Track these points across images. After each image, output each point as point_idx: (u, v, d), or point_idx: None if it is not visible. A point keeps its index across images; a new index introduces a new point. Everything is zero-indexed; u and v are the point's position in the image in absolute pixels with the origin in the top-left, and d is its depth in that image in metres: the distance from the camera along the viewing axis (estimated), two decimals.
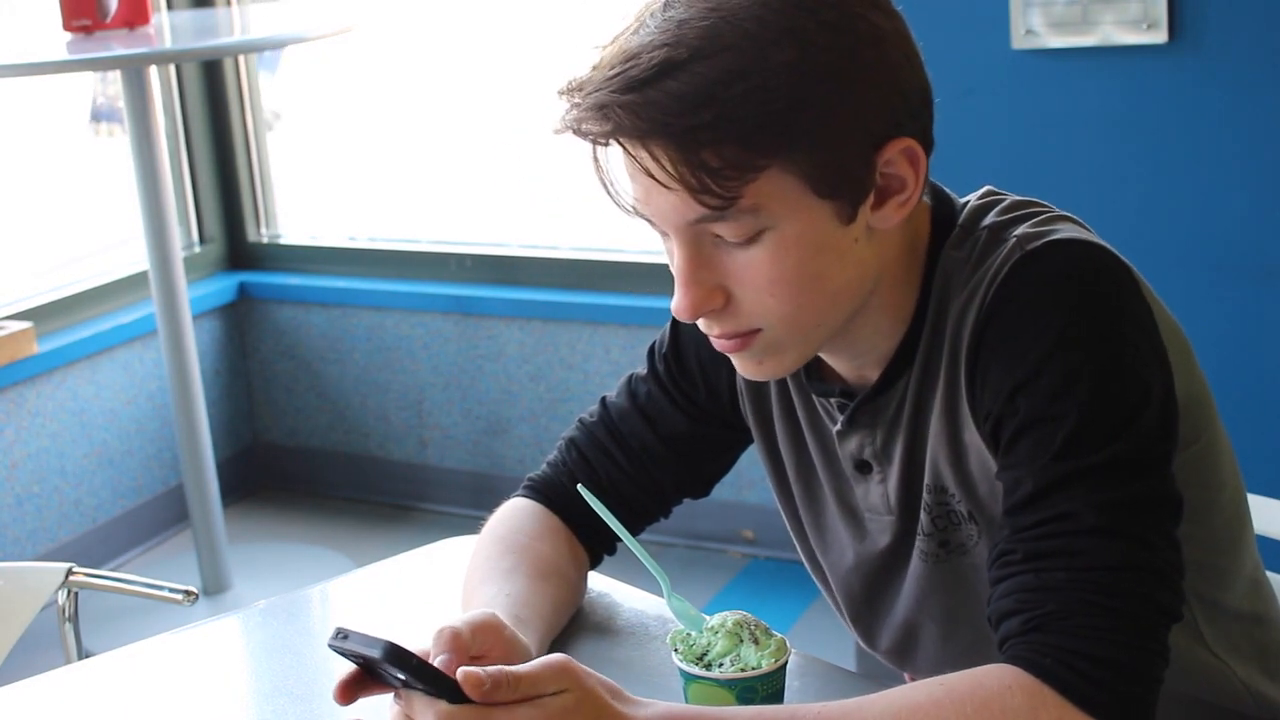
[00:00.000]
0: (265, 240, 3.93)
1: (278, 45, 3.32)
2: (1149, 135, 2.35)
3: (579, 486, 1.19)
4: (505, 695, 0.95)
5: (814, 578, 1.36)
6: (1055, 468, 1.01)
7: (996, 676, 0.98)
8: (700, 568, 3.22)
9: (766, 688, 1.08)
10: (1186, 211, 2.38)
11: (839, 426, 1.19)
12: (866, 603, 1.28)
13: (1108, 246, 1.08)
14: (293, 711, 1.22)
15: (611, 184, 1.08)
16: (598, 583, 1.41)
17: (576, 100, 1.03)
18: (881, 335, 1.14)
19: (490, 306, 3.53)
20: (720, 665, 1.08)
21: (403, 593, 1.48)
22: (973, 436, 1.10)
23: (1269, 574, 1.30)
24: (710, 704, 1.08)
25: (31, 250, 3.84)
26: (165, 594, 1.75)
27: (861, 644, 1.34)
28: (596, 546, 1.37)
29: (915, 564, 1.20)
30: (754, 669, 1.08)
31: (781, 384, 1.26)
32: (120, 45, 2.89)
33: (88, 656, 1.48)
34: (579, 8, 3.74)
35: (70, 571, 1.72)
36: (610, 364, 3.39)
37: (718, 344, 1.11)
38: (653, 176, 1.01)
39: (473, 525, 1.47)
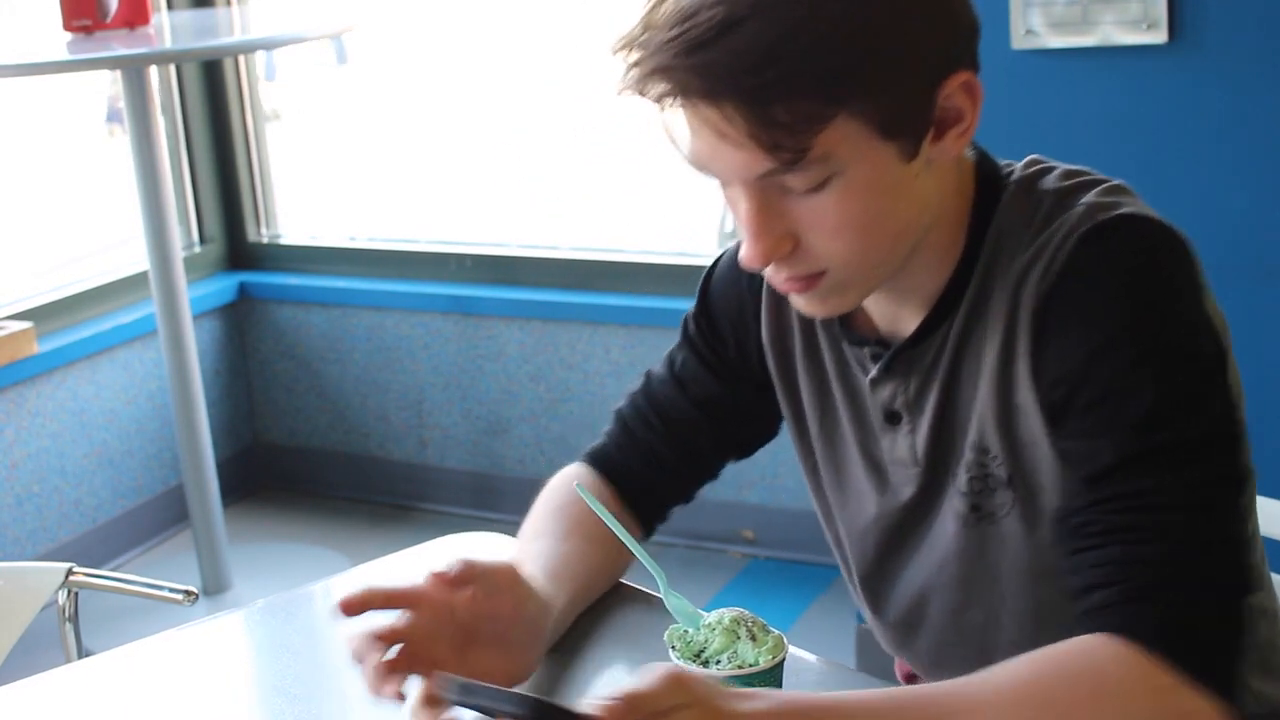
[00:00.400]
0: (265, 240, 3.93)
1: (278, 45, 3.32)
2: (1149, 135, 2.35)
3: (576, 486, 1.20)
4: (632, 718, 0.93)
5: (829, 538, 1.35)
6: (1136, 440, 1.03)
7: (1099, 647, 0.99)
8: (700, 568, 3.22)
9: (763, 685, 1.08)
10: (1186, 211, 2.36)
11: (874, 374, 1.19)
12: (879, 563, 1.27)
13: (1172, 224, 1.10)
14: (292, 711, 1.22)
15: (675, 139, 1.08)
16: None
17: (636, 61, 1.03)
18: (928, 275, 1.15)
19: (490, 306, 3.53)
20: (717, 662, 1.08)
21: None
22: (1026, 399, 1.10)
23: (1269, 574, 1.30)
24: None
25: (32, 250, 3.84)
26: (165, 594, 1.75)
27: (867, 614, 1.33)
28: (648, 516, 1.39)
29: (944, 523, 1.20)
30: (751, 666, 1.08)
31: (809, 338, 1.27)
32: (120, 45, 2.89)
33: (88, 656, 1.48)
34: (578, 8, 3.74)
35: (70, 571, 1.72)
36: (610, 364, 3.39)
37: (782, 286, 1.12)
38: (723, 135, 1.01)
39: (473, 525, 1.47)
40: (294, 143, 4.17)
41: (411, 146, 4.08)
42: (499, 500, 3.60)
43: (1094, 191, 1.12)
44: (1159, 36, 2.28)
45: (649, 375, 1.42)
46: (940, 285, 1.15)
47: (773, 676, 1.09)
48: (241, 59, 3.82)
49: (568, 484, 1.38)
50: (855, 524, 1.28)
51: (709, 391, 1.36)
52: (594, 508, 1.18)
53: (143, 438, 3.58)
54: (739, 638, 1.09)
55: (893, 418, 1.20)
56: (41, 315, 3.37)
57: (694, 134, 1.05)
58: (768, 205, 1.05)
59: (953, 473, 1.18)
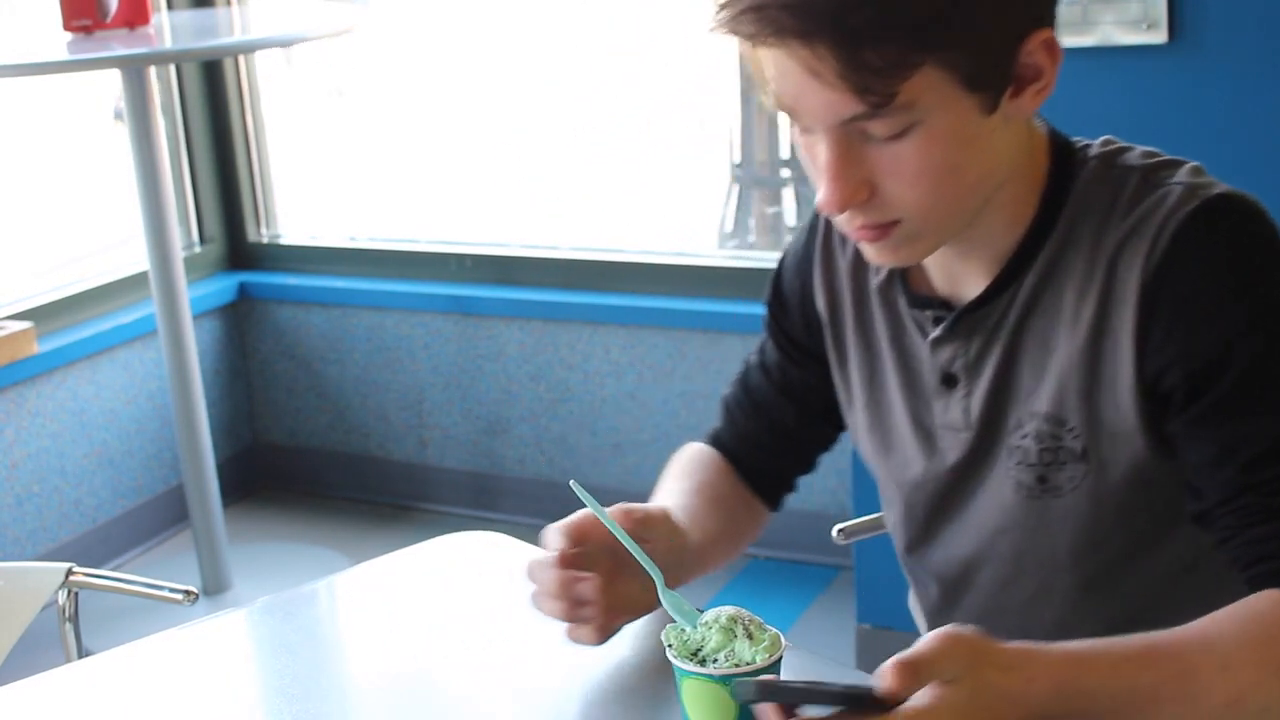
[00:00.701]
0: (265, 240, 3.93)
1: (278, 45, 3.32)
2: (1149, 135, 2.34)
3: (571, 483, 1.21)
4: (916, 686, 0.94)
5: (883, 500, 1.38)
6: None
7: None
8: None
9: None
10: None
11: (937, 333, 1.20)
12: (925, 528, 1.29)
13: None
14: (292, 711, 1.22)
15: (763, 81, 1.09)
16: None
17: (728, 1, 1.04)
18: (995, 234, 1.16)
19: (490, 306, 3.53)
20: (714, 661, 1.08)
21: (403, 589, 1.48)
22: (1124, 376, 1.11)
23: None
24: (703, 701, 1.08)
25: (32, 249, 3.84)
26: (165, 594, 1.75)
27: (911, 583, 1.36)
28: (768, 492, 1.44)
29: (999, 491, 1.20)
30: (748, 664, 1.08)
31: (860, 305, 1.28)
32: (120, 45, 2.88)
33: (88, 656, 1.47)
34: (577, 8, 3.74)
35: (70, 571, 1.72)
36: (610, 364, 3.39)
37: (855, 234, 1.13)
38: (815, 74, 1.02)
39: (473, 525, 1.48)
40: (294, 142, 4.16)
41: (411, 146, 4.08)
42: (499, 500, 3.60)
43: (1183, 170, 1.14)
44: (1159, 36, 2.28)
45: (746, 362, 1.47)
46: (1007, 247, 1.16)
47: (770, 674, 1.09)
48: (241, 59, 3.82)
49: (694, 454, 1.45)
50: (902, 490, 1.29)
51: (788, 376, 1.40)
52: (588, 502, 1.19)
53: (143, 438, 3.58)
54: (736, 636, 1.09)
55: (949, 380, 1.21)
56: (41, 315, 3.37)
57: (783, 75, 1.05)
58: (848, 151, 1.07)
59: (1005, 438, 1.19)
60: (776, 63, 1.05)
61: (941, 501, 1.25)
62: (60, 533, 3.37)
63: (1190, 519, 1.13)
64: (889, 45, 1.00)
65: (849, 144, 1.07)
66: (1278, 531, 1.06)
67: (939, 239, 1.14)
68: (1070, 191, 1.15)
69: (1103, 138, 1.20)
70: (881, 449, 1.30)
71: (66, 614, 1.73)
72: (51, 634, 1.74)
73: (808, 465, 1.46)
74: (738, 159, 3.94)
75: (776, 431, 1.43)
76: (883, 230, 1.11)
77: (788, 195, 3.88)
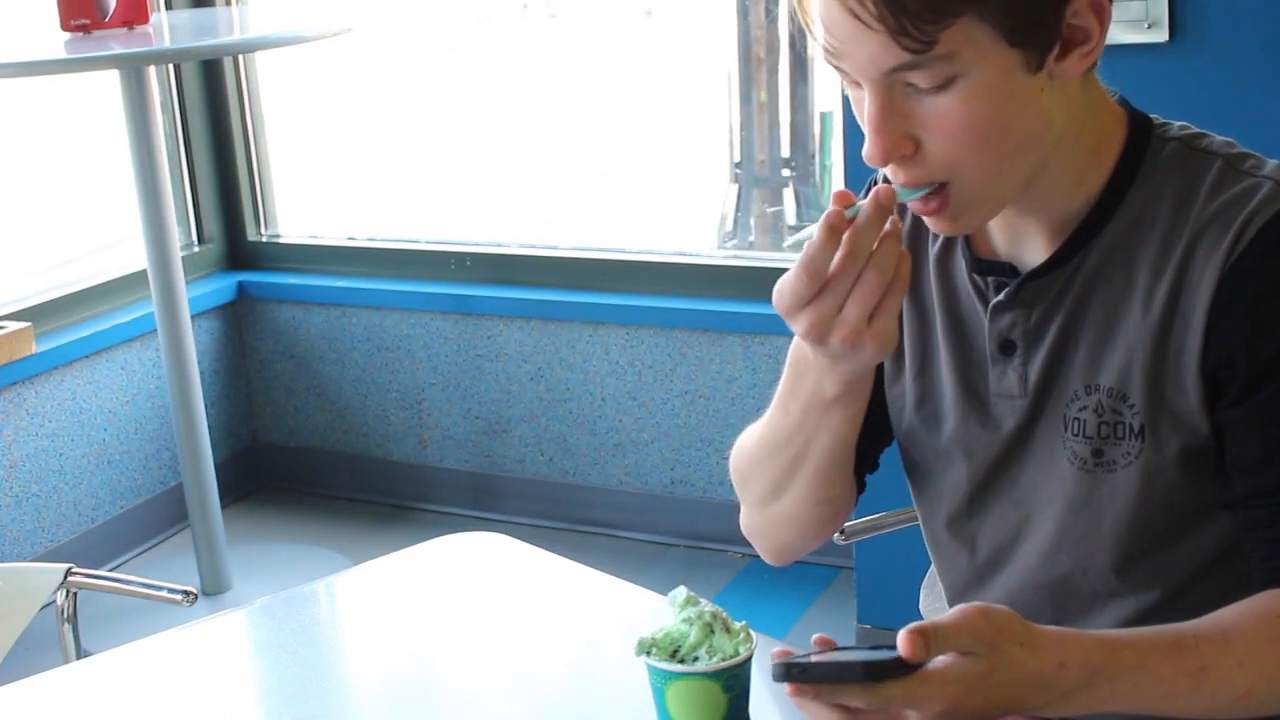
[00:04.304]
0: (264, 240, 3.93)
1: (278, 45, 3.32)
2: None
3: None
4: (928, 654, 0.96)
5: (911, 486, 1.34)
6: None
7: None
8: (700, 568, 3.21)
9: (745, 676, 1.08)
10: None
11: (1000, 298, 1.20)
12: (971, 498, 1.27)
13: None
14: (291, 711, 1.22)
15: (812, 30, 1.10)
16: (593, 581, 1.40)
17: None
18: (1058, 199, 1.16)
19: (490, 306, 3.53)
20: (695, 658, 1.08)
21: (403, 589, 1.48)
22: (1190, 360, 1.12)
23: None
24: (692, 701, 1.08)
25: (31, 249, 3.83)
26: (164, 594, 1.74)
27: (944, 562, 1.32)
28: (861, 472, 1.34)
29: (1053, 461, 1.20)
30: (733, 657, 1.08)
31: (917, 268, 1.26)
32: (119, 45, 2.88)
33: (86, 657, 1.47)
34: (577, 8, 3.74)
35: (69, 572, 1.72)
36: (610, 364, 3.39)
37: (914, 207, 1.14)
38: (855, 17, 1.03)
39: (472, 525, 1.47)
40: (294, 142, 4.16)
41: (411, 146, 4.07)
42: (499, 500, 3.60)
43: (1271, 166, 1.15)
44: (1160, 36, 2.28)
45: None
46: (1072, 213, 1.16)
47: (749, 666, 1.09)
48: (241, 59, 3.82)
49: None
50: (947, 461, 1.28)
51: None
52: None
53: (142, 438, 3.57)
54: (714, 632, 1.09)
55: (1007, 347, 1.21)
56: (40, 315, 3.37)
57: (828, 25, 1.07)
58: (891, 102, 1.08)
59: (1063, 409, 1.19)
60: (823, 9, 1.07)
61: (994, 470, 1.25)
62: (59, 533, 3.37)
63: (1220, 505, 1.15)
64: None
65: (892, 96, 1.08)
66: None
67: (993, 202, 1.15)
68: (1144, 165, 1.16)
69: (1180, 122, 1.21)
70: (931, 419, 1.28)
71: (65, 614, 1.73)
72: (50, 635, 1.74)
73: (884, 441, 1.36)
74: (738, 158, 3.94)
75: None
76: (938, 200, 1.12)
77: (788, 195, 3.87)
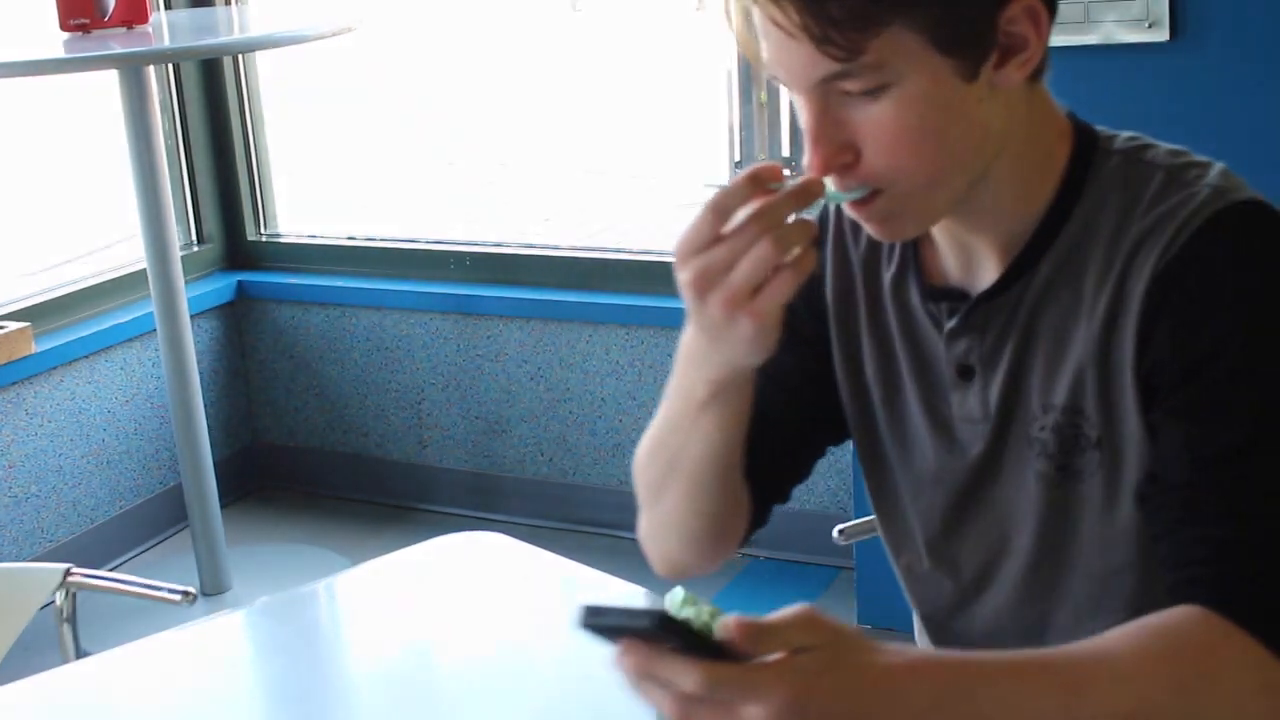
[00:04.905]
0: (264, 239, 3.92)
1: (278, 45, 3.31)
2: (1150, 134, 2.35)
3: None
4: (763, 649, 0.90)
5: (877, 514, 1.33)
6: (1263, 426, 1.04)
7: (1197, 623, 1.00)
8: None
9: None
10: None
11: (953, 324, 1.19)
12: (947, 524, 1.26)
13: None
14: (291, 711, 1.22)
15: (753, 52, 1.10)
16: (593, 581, 1.40)
17: None
18: (1004, 218, 1.15)
19: (490, 306, 3.53)
20: None
21: (402, 589, 1.47)
22: (1126, 364, 1.11)
23: None
24: None
25: (30, 248, 3.83)
26: (164, 595, 1.74)
27: (918, 590, 1.31)
28: (764, 495, 1.31)
29: (1022, 482, 1.20)
30: None
31: (873, 300, 1.26)
32: (118, 44, 2.88)
33: (85, 657, 1.47)
34: (577, 8, 3.74)
35: (68, 572, 1.72)
36: (610, 364, 3.38)
37: (847, 210, 1.13)
38: (779, 27, 1.04)
39: (472, 525, 1.46)
40: (293, 142, 4.16)
41: (411, 145, 4.07)
42: (499, 500, 3.60)
43: (1214, 173, 1.13)
44: (1161, 35, 2.28)
45: None
46: (1020, 231, 1.15)
47: None
48: (240, 58, 3.82)
49: None
50: (920, 488, 1.27)
51: (785, 366, 1.29)
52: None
53: (141, 438, 3.57)
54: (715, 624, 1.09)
55: (965, 372, 1.20)
56: (39, 314, 3.37)
57: (763, 36, 1.07)
58: (827, 112, 1.07)
59: (1025, 429, 1.18)
60: (759, 26, 1.07)
61: (964, 495, 1.24)
62: (58, 533, 3.37)
63: (1135, 501, 1.13)
64: (851, 1, 1.01)
65: (828, 106, 1.07)
66: (1213, 536, 1.04)
67: (927, 213, 1.14)
68: (1089, 180, 1.15)
69: (1127, 133, 1.20)
70: (898, 447, 1.28)
71: (64, 615, 1.73)
72: (49, 635, 1.74)
73: (800, 470, 1.36)
74: (737, 158, 3.93)
75: (769, 431, 1.31)
76: (869, 206, 1.11)
77: None
